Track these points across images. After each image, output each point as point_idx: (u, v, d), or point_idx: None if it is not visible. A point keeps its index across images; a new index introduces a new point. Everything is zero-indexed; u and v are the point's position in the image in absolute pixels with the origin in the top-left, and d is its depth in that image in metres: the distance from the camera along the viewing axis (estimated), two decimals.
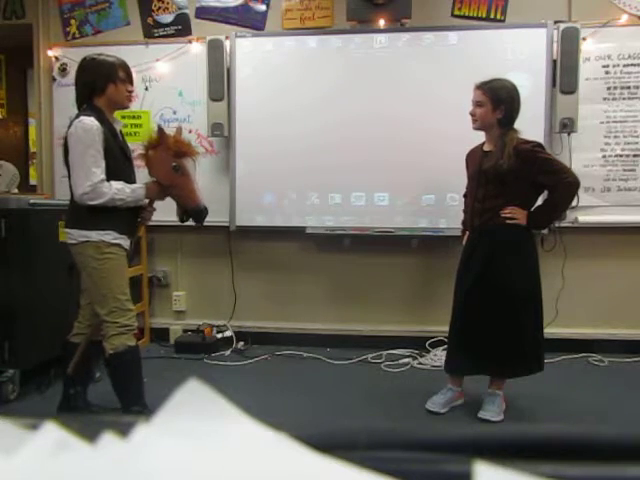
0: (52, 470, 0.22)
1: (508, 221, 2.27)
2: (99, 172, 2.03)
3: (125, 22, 3.63)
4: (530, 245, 2.34)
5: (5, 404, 2.47)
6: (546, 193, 2.39)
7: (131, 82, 2.21)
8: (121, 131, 2.25)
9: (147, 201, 2.21)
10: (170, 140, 2.16)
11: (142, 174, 2.28)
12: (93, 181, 2.00)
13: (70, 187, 2.11)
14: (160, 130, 2.17)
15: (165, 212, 2.39)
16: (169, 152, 2.14)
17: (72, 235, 2.11)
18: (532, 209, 2.34)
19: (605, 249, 3.35)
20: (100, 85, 2.11)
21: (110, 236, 2.10)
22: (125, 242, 2.17)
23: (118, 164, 2.13)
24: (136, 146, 2.36)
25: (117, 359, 2.11)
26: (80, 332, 2.29)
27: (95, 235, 2.08)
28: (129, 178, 2.18)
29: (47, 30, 3.68)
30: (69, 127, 2.08)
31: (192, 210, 2.20)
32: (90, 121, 2.03)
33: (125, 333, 2.12)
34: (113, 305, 2.10)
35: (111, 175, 2.07)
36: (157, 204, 2.28)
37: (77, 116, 2.08)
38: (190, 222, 2.27)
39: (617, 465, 0.24)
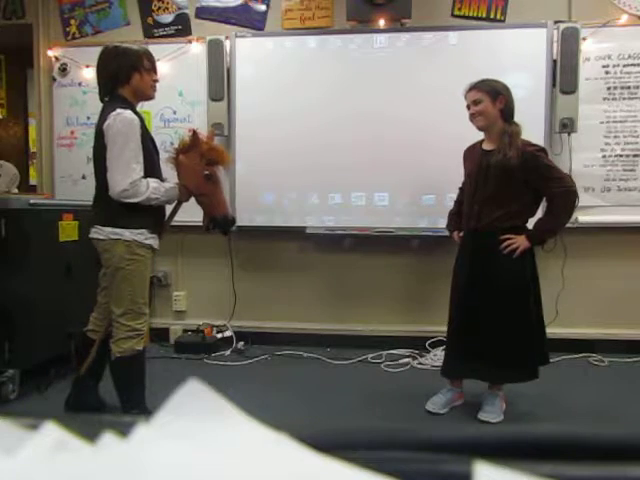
0: (52, 470, 0.22)
1: (506, 250, 2.23)
2: (139, 169, 1.96)
3: (125, 22, 3.63)
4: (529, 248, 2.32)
5: (5, 404, 2.47)
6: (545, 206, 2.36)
7: (155, 71, 2.13)
8: None
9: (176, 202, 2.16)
10: (204, 147, 2.08)
11: (167, 168, 2.22)
12: (133, 178, 1.94)
13: (98, 181, 2.04)
14: (194, 135, 2.09)
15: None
16: (202, 160, 2.06)
17: (102, 232, 2.04)
18: (531, 224, 2.31)
19: (605, 249, 3.35)
20: (125, 74, 2.04)
21: (143, 236, 2.05)
22: (155, 242, 2.12)
23: (151, 158, 2.06)
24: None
25: (123, 363, 2.08)
26: (96, 329, 2.26)
27: (128, 234, 2.02)
28: (160, 173, 2.13)
29: (47, 30, 3.68)
30: (104, 120, 1.99)
31: (220, 219, 2.16)
32: (129, 114, 1.96)
33: (134, 337, 2.08)
34: (129, 307, 2.06)
35: (145, 169, 2.01)
36: None
37: (112, 108, 1.99)
38: (214, 230, 2.22)
39: (617, 465, 0.24)
